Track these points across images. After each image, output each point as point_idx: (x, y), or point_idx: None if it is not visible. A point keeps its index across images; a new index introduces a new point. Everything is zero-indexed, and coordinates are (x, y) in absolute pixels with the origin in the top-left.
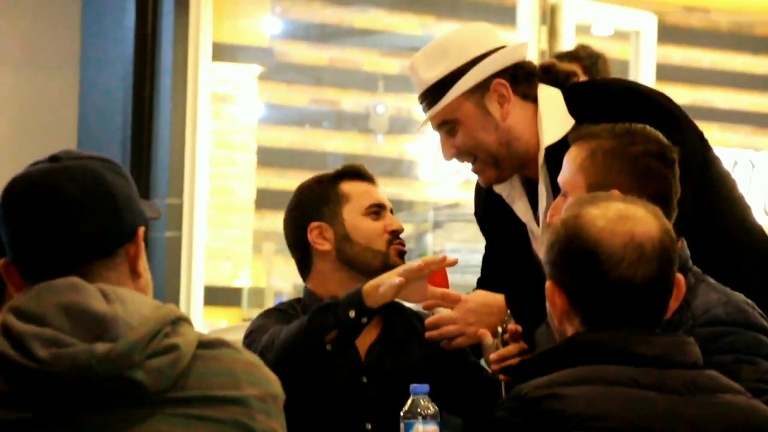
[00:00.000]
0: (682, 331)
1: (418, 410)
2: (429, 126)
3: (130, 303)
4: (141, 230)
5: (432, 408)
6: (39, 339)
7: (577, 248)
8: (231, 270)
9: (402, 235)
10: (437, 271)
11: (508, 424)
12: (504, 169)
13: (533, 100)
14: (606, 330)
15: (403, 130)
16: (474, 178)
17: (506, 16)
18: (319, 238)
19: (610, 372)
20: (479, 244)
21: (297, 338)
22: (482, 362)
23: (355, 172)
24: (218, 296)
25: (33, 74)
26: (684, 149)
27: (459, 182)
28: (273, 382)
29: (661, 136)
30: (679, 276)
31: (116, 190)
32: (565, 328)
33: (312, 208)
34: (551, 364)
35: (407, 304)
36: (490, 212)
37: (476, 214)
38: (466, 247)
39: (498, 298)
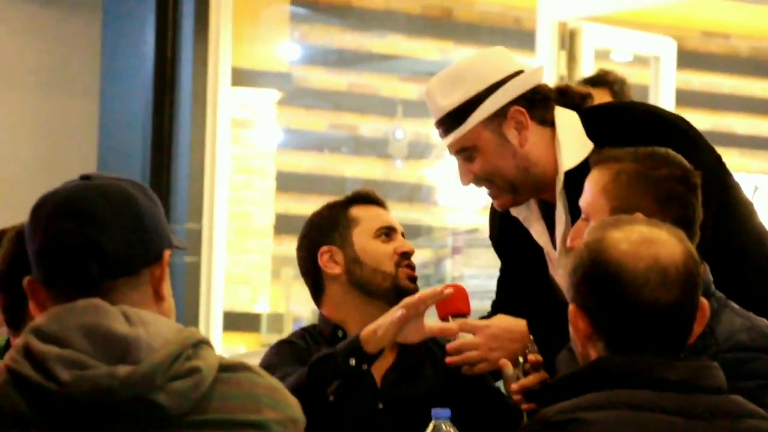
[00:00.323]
0: (706, 357)
1: None
2: (446, 150)
3: (153, 325)
4: (167, 253)
5: None
6: (61, 361)
7: (600, 272)
8: (250, 295)
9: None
10: (459, 297)
11: None
12: (521, 194)
13: (550, 124)
14: (630, 354)
15: (422, 155)
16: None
17: (525, 41)
18: (330, 262)
19: (633, 397)
20: (498, 269)
21: (298, 391)
22: (501, 388)
23: (365, 197)
24: (237, 321)
25: (53, 99)
26: (703, 173)
27: (478, 208)
28: (293, 407)
29: (684, 160)
30: (703, 300)
31: (144, 211)
32: (589, 352)
33: (322, 233)
34: (575, 389)
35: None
36: (506, 234)
37: (491, 236)
38: (485, 273)
39: (520, 324)
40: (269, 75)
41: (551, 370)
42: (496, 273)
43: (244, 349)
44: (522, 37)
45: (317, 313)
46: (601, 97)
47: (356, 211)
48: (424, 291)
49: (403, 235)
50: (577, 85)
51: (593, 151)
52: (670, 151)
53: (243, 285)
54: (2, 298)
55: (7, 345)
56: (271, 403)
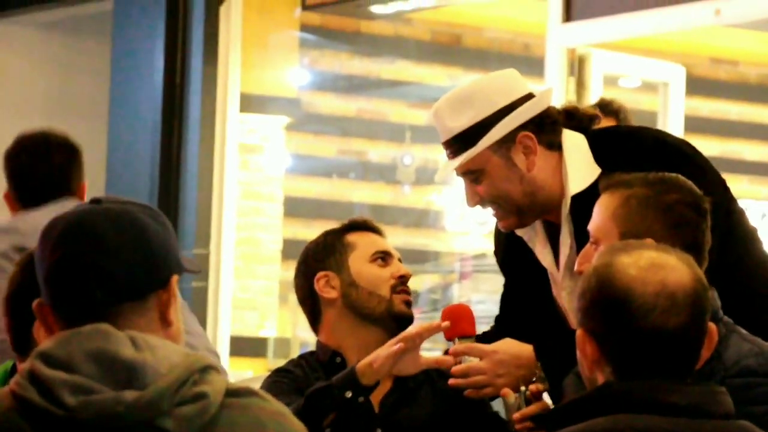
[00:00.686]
0: (714, 382)
1: None
2: (453, 173)
3: (160, 350)
4: (175, 278)
5: None
6: (67, 386)
7: (608, 296)
8: (257, 320)
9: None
10: (465, 318)
11: None
12: (526, 217)
13: (558, 147)
14: (637, 379)
15: (430, 180)
16: None
17: (534, 67)
18: (326, 286)
19: (641, 421)
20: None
21: None
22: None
23: (361, 224)
24: (244, 346)
25: (62, 124)
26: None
27: (485, 233)
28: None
29: (694, 185)
30: (711, 325)
31: (152, 236)
32: (596, 376)
33: (319, 259)
34: (582, 413)
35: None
36: (510, 253)
37: (496, 253)
38: (492, 298)
39: (527, 350)
40: (278, 101)
41: (558, 396)
42: None
43: (251, 373)
44: (531, 64)
45: None
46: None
47: (352, 237)
48: (422, 324)
49: (400, 260)
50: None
51: (601, 176)
52: (680, 177)
53: (250, 310)
54: (8, 322)
55: (14, 369)
56: (278, 428)
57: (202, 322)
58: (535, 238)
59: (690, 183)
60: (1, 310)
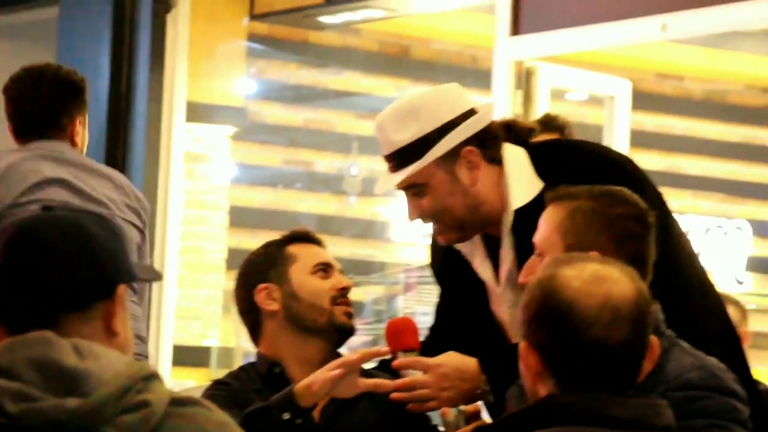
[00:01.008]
0: (656, 395)
1: None
2: (393, 186)
3: (104, 359)
4: (121, 288)
5: None
6: (9, 393)
7: (551, 309)
8: (200, 330)
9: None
10: (409, 332)
11: None
12: (467, 232)
13: (499, 161)
14: (579, 391)
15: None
16: None
17: (482, 79)
18: (267, 299)
19: None
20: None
21: None
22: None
23: (302, 236)
24: (187, 356)
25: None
26: None
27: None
28: None
29: (639, 199)
30: (653, 338)
31: (98, 244)
32: (538, 388)
33: (259, 271)
34: (524, 425)
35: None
36: (446, 265)
37: (432, 264)
38: None
39: (472, 363)
40: (224, 110)
41: (502, 408)
42: None
43: (193, 383)
44: (478, 76)
45: None
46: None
47: (293, 249)
48: (363, 350)
49: (341, 271)
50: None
51: (545, 189)
52: (626, 190)
53: (193, 319)
54: None
55: None
56: None
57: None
58: (474, 251)
59: (635, 196)
60: None
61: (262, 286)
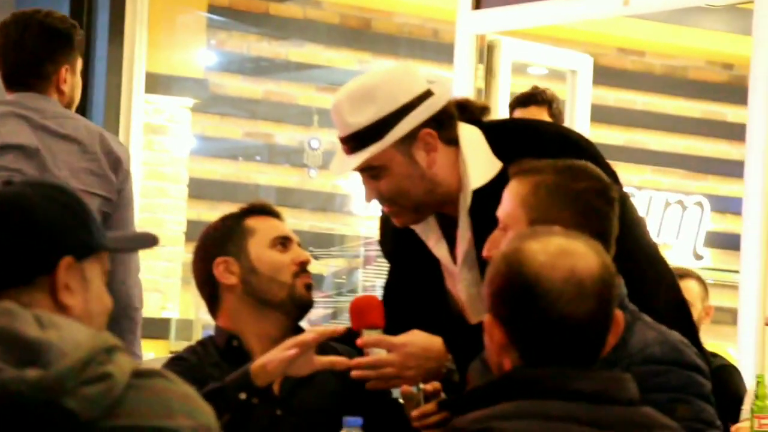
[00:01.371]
0: (619, 369)
1: None
2: (349, 168)
3: (66, 330)
4: (64, 261)
5: None
6: None
7: (517, 283)
8: (159, 302)
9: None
10: (373, 309)
11: None
12: (423, 213)
13: (455, 142)
14: (544, 365)
15: None
16: None
17: (443, 53)
18: (226, 272)
19: (547, 407)
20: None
21: None
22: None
23: (260, 209)
24: (146, 328)
25: None
26: None
27: None
28: (207, 414)
29: (602, 173)
30: (618, 313)
31: (40, 218)
32: (503, 362)
33: (217, 245)
34: (488, 399)
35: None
36: (398, 243)
37: (381, 242)
38: None
39: (437, 342)
40: (184, 81)
41: (463, 381)
42: None
43: (153, 355)
44: (440, 50)
45: None
46: (538, 115)
47: (252, 222)
48: (318, 329)
49: (299, 245)
50: (511, 101)
51: (504, 169)
52: (589, 164)
53: (153, 291)
54: None
55: None
56: (185, 409)
57: None
58: (428, 231)
59: (599, 171)
60: None
61: (220, 259)
